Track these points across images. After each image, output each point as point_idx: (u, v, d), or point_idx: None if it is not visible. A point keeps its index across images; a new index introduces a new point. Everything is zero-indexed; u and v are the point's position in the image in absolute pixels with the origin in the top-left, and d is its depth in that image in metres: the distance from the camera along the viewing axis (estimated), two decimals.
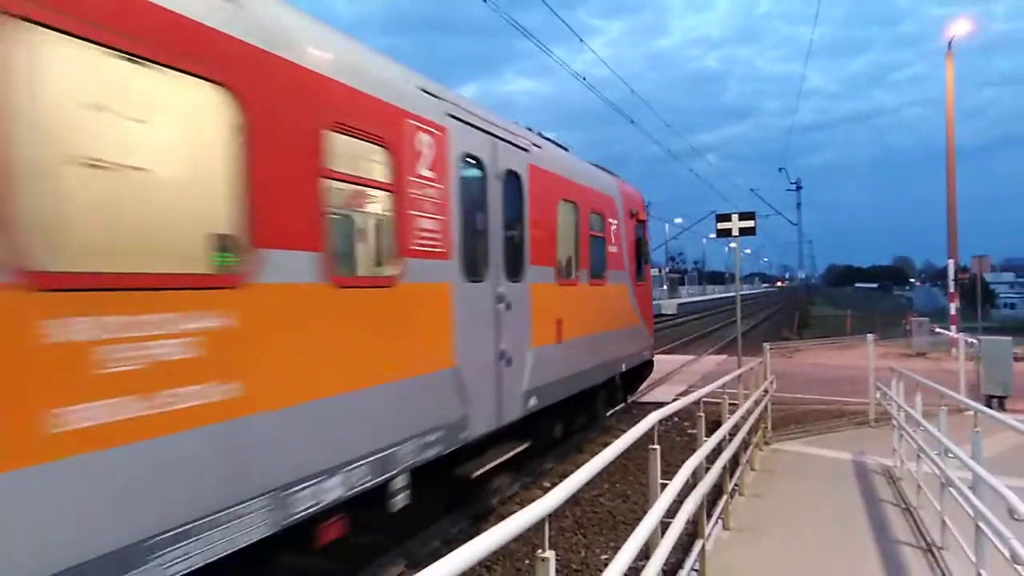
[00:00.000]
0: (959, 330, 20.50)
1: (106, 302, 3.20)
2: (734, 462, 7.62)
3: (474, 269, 6.77)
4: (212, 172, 3.92)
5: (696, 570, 5.66)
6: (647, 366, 13.59)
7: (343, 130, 4.88)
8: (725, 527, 6.90)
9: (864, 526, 7.00)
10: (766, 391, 11.25)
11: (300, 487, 4.33)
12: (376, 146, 5.32)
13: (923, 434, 7.30)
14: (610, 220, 11.21)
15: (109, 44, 3.27)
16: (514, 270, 7.67)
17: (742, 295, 18.84)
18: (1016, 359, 15.09)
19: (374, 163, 5.40)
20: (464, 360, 6.42)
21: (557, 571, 6.46)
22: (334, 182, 4.81)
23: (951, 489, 5.90)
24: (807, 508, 7.67)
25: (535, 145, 8.56)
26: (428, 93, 6.07)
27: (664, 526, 4.39)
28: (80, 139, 3.48)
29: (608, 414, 12.39)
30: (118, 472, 3.20)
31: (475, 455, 6.98)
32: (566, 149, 10.21)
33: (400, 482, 5.53)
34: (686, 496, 5.16)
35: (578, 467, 3.48)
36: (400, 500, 5.57)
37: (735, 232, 16.15)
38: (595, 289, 10.41)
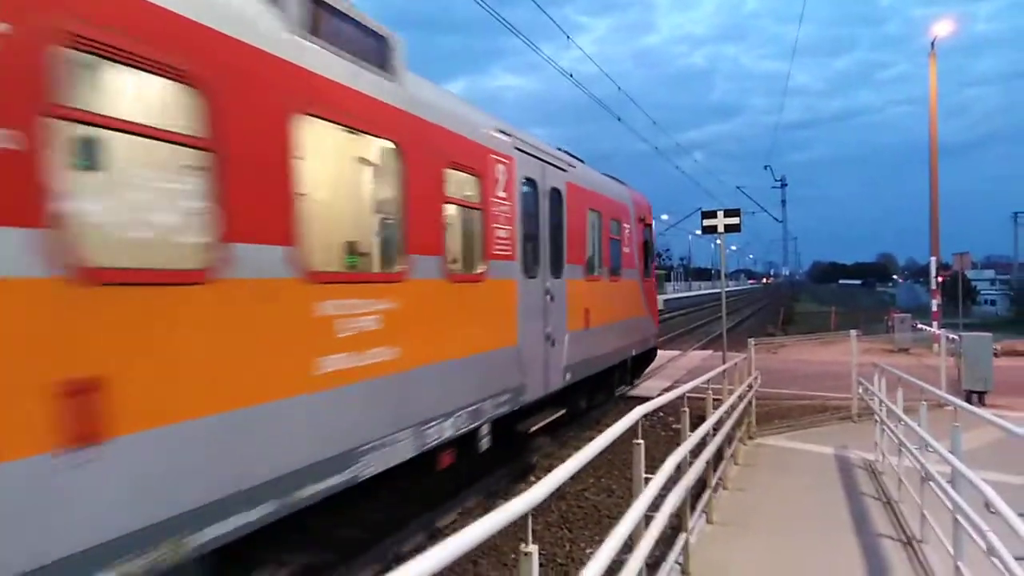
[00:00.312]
0: (940, 326, 20.73)
1: (340, 291, 4.95)
2: (718, 456, 7.67)
3: (530, 268, 8.55)
4: (392, 202, 5.87)
5: (679, 563, 5.70)
6: (652, 352, 15.46)
7: (455, 167, 6.70)
8: (709, 521, 6.96)
9: (846, 520, 7.08)
10: (750, 386, 11.34)
11: (430, 424, 6.09)
12: (472, 176, 7.14)
13: (904, 429, 7.38)
14: (624, 225, 12.96)
15: (346, 124, 5.18)
16: (556, 268, 9.41)
17: (728, 291, 18.96)
18: (996, 355, 15.31)
19: (471, 189, 7.19)
20: (523, 340, 8.20)
21: (542, 565, 6.54)
22: (448, 204, 6.57)
23: (931, 483, 5.98)
24: (790, 502, 7.75)
25: (571, 165, 10.29)
26: (503, 133, 7.95)
27: (648, 520, 4.42)
28: (340, 188, 6.00)
29: (618, 394, 13.87)
30: (345, 402, 4.91)
31: (529, 415, 8.72)
32: (582, 161, 11.47)
33: (484, 430, 7.33)
34: (670, 490, 5.20)
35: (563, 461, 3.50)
36: (484, 444, 7.38)
37: (720, 229, 16.23)
38: (613, 284, 12.25)
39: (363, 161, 6.14)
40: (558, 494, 8.12)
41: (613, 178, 13.33)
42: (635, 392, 14.86)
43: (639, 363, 14.67)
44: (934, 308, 23.35)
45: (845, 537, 6.57)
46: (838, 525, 6.92)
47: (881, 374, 9.86)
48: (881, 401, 9.08)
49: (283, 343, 4.37)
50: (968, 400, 13.08)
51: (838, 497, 7.86)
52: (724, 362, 12.66)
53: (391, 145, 5.73)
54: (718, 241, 17.80)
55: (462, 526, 2.36)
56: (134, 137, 3.61)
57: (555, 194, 9.43)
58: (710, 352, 22.57)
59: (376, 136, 5.58)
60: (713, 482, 7.24)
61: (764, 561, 6.11)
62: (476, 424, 7.02)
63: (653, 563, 5.88)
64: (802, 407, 13.26)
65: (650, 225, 15.12)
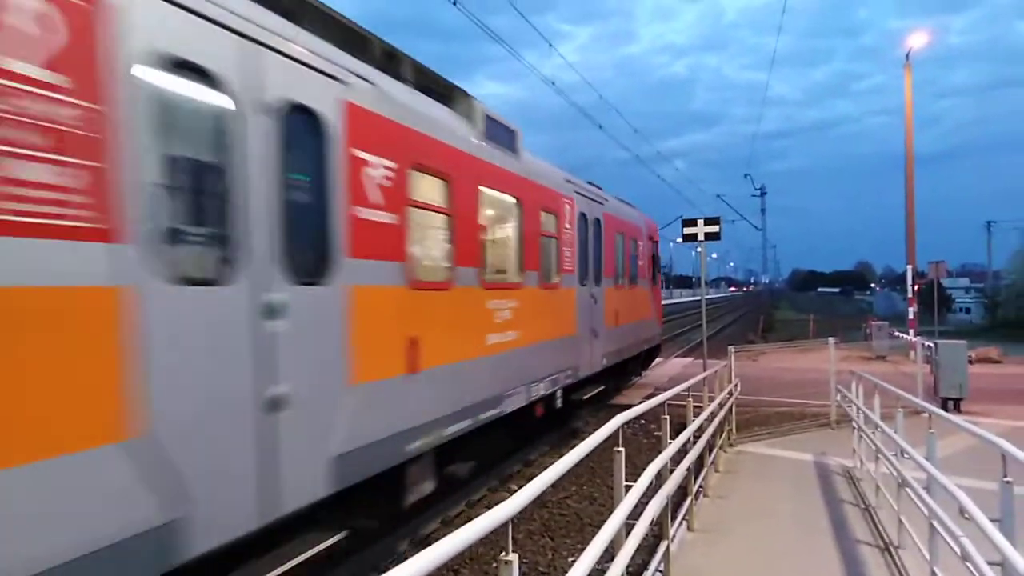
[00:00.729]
0: (917, 334, 21.01)
1: (496, 294, 7.92)
2: (699, 464, 7.72)
3: (583, 279, 11.49)
4: (514, 237, 8.88)
5: (660, 571, 5.72)
6: (657, 348, 18.62)
7: (545, 210, 9.72)
8: (689, 528, 6.99)
9: (825, 526, 7.14)
10: (730, 393, 11.41)
11: (533, 384, 9.08)
12: (552, 215, 10.06)
13: (881, 436, 7.47)
14: (639, 243, 15.93)
15: (498, 189, 8.21)
16: (597, 279, 12.39)
17: (708, 299, 19.09)
18: (971, 362, 15.54)
19: (551, 224, 10.06)
20: (579, 331, 11.19)
21: (524, 574, 6.52)
22: (542, 237, 9.57)
23: (907, 489, 6.05)
24: (770, 509, 7.80)
25: (605, 199, 13.42)
26: (568, 181, 11.04)
27: (629, 528, 4.43)
28: (490, 229, 8.47)
29: (631, 381, 17.02)
30: (497, 364, 7.87)
31: (580, 388, 11.50)
32: (598, 187, 13.89)
33: (559, 394, 10.35)
34: (652, 497, 5.21)
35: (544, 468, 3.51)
36: (559, 404, 10.45)
37: (701, 237, 16.33)
38: (633, 291, 15.23)
39: (502, 211, 8.89)
40: (540, 502, 8.13)
41: (628, 203, 16.15)
42: (616, 400, 14.91)
43: (647, 357, 17.69)
44: (910, 316, 23.67)
45: (824, 543, 6.62)
46: (817, 531, 6.97)
47: (859, 381, 9.97)
48: (859, 408, 9.18)
49: (477, 324, 7.49)
50: (944, 407, 13.25)
51: (817, 504, 7.93)
52: (705, 369, 12.74)
53: (514, 200, 8.81)
54: (698, 249, 17.91)
55: (444, 534, 2.36)
56: (430, 212, 6.62)
57: (596, 223, 12.46)
58: (691, 359, 22.70)
59: (508, 195, 8.60)
60: (694, 489, 7.27)
61: (744, 568, 6.14)
62: (555, 389, 10.08)
63: (635, 571, 5.90)
64: (781, 414, 13.36)
65: (657, 242, 18.14)
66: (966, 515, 3.81)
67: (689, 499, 7.10)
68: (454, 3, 12.86)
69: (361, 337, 5.30)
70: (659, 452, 5.90)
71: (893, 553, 6.29)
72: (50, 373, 3.08)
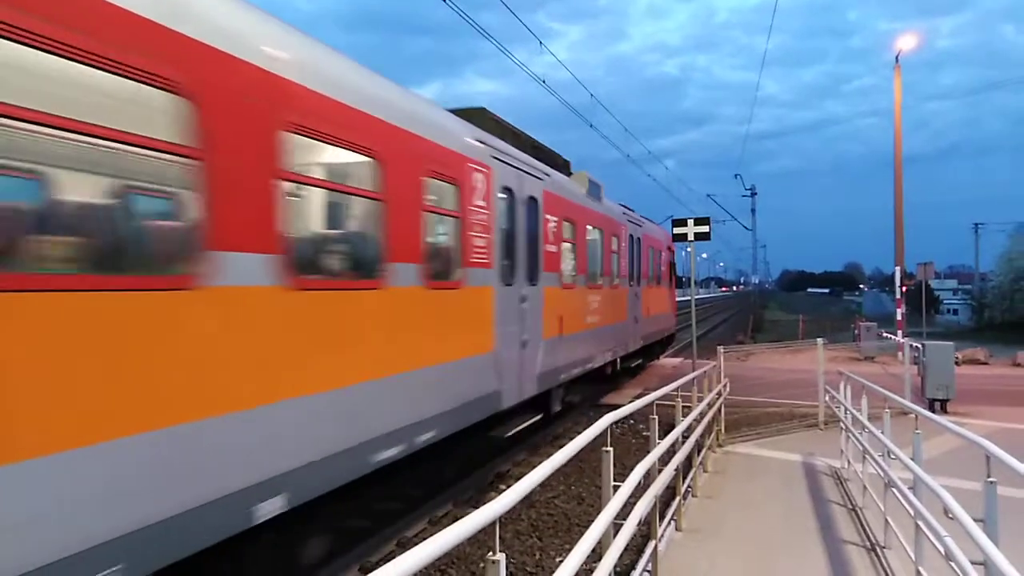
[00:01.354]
0: (905, 335, 21.15)
1: (587, 291, 12.45)
2: (687, 464, 7.74)
3: (632, 280, 16.24)
4: (599, 255, 13.87)
5: (648, 571, 5.72)
6: (673, 336, 23.60)
7: (614, 235, 14.60)
8: (678, 528, 7.00)
9: (812, 526, 7.17)
10: (719, 394, 11.45)
11: (606, 351, 13.55)
12: (617, 238, 14.84)
13: (868, 436, 7.51)
14: (663, 253, 20.59)
15: (593, 226, 13.09)
16: (639, 280, 17.00)
17: (698, 299, 19.19)
18: (957, 364, 15.65)
19: (615, 244, 14.58)
20: (629, 318, 15.78)
21: (512, 574, 6.52)
22: (612, 253, 14.33)
23: (893, 490, 6.09)
24: (758, 509, 7.83)
25: (643, 222, 17.94)
26: (624, 212, 15.52)
27: (617, 527, 4.44)
28: (589, 250, 13.06)
29: (656, 359, 21.57)
30: (593, 336, 12.63)
31: (625, 361, 15.76)
32: (633, 211, 17.75)
33: (617, 363, 14.87)
34: (640, 497, 5.22)
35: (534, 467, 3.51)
36: (618, 368, 15.16)
37: (691, 237, 16.36)
38: (659, 289, 19.94)
39: (596, 239, 13.21)
40: (528, 502, 8.13)
41: (652, 222, 20.47)
42: (605, 399, 14.95)
43: (668, 340, 22.90)
44: (899, 317, 23.83)
45: (811, 544, 6.65)
46: (805, 532, 7.00)
47: (847, 382, 10.02)
48: (846, 409, 9.22)
49: (586, 310, 12.20)
50: (931, 408, 13.34)
51: (805, 504, 7.97)
52: (694, 369, 12.78)
53: (599, 231, 13.40)
54: (688, 249, 17.98)
55: (431, 534, 2.35)
56: (569, 244, 11.51)
57: (639, 240, 17.07)
58: (681, 359, 22.76)
59: (598, 228, 13.26)
60: (682, 489, 7.29)
61: (732, 568, 6.16)
62: (615, 358, 14.51)
63: (623, 571, 5.91)
64: (770, 415, 13.42)
65: (673, 251, 22.47)
66: (950, 515, 3.84)
67: (677, 499, 7.11)
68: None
69: (546, 314, 10.11)
70: (648, 452, 5.91)
71: (879, 553, 6.32)
72: (474, 320, 7.75)
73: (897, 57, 24.29)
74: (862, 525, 7.15)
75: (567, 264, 11.74)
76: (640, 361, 17.63)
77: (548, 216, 10.30)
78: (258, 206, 4.38)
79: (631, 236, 16.07)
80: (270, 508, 4.35)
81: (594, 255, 13.21)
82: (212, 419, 3.95)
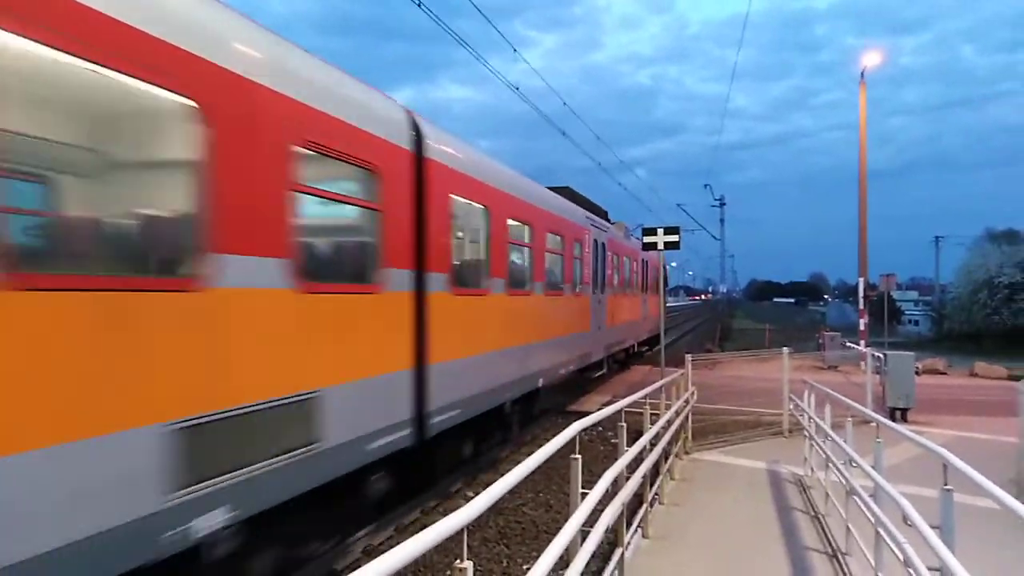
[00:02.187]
0: (867, 345, 21.57)
1: (623, 296, 19.76)
2: (654, 471, 7.79)
3: (645, 291, 23.50)
4: (627, 274, 21.04)
5: None
6: (659, 336, 24.39)
7: (631, 258, 21.50)
8: (644, 535, 7.05)
9: (776, 533, 7.27)
10: (687, 402, 11.56)
11: (615, 344, 18.52)
12: (637, 262, 22.43)
13: (831, 444, 7.64)
14: (656, 268, 25.23)
15: (626, 255, 20.34)
16: (646, 290, 23.61)
17: (667, 307, 19.42)
18: (918, 373, 15.99)
19: (638, 267, 22.76)
20: (640, 318, 22.91)
21: None
22: (633, 273, 21.95)
23: (855, 497, 6.20)
24: (723, 516, 7.92)
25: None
26: (645, 245, 17.70)
27: (584, 535, 4.46)
28: (625, 272, 20.86)
29: (647, 352, 25.55)
30: (622, 329, 19.50)
31: (631, 349, 21.81)
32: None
33: (633, 347, 22.12)
34: (607, 505, 5.25)
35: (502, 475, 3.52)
36: (635, 350, 22.95)
37: (660, 246, 16.50)
38: (653, 297, 25.03)
39: (627, 265, 20.00)
40: (496, 509, 8.11)
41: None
42: (574, 407, 15.00)
43: (655, 339, 25.44)
44: (861, 327, 24.29)
45: (775, 551, 6.75)
46: (769, 538, 7.10)
47: (810, 391, 10.19)
48: (810, 417, 9.37)
49: (617, 312, 18.52)
50: (892, 417, 13.62)
51: (769, 511, 8.07)
52: (662, 377, 12.89)
53: (630, 258, 20.53)
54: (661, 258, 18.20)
55: (398, 542, 2.34)
56: (619, 271, 19.52)
57: (645, 262, 22.63)
58: (650, 367, 22.94)
59: (629, 257, 20.55)
60: (649, 497, 7.34)
61: (697, 574, 6.23)
62: (633, 343, 21.57)
63: None
64: (736, 422, 13.59)
65: (666, 267, 29.27)
66: (909, 522, 3.93)
67: (645, 506, 7.16)
68: (418, 4, 12.80)
69: (608, 313, 16.67)
70: (616, 459, 5.94)
71: (841, 560, 6.43)
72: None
73: (863, 73, 24.84)
74: (824, 532, 7.27)
75: (615, 282, 16.68)
76: (646, 348, 22.45)
77: (609, 252, 16.21)
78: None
79: (642, 260, 20.62)
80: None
81: (626, 274, 18.00)
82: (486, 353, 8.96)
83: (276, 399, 4.81)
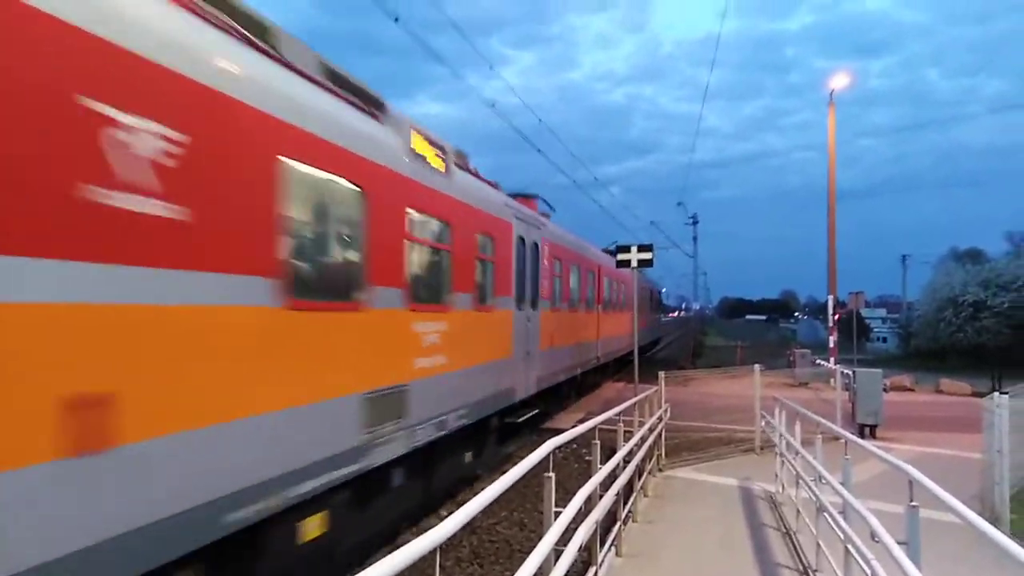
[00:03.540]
0: (837, 362, 21.88)
1: (609, 315, 21.86)
2: (628, 489, 7.81)
3: (642, 314, 25.59)
4: (606, 289, 22.08)
5: None
6: (658, 340, 36.89)
7: (617, 280, 23.51)
8: (618, 554, 7.05)
9: (748, 550, 7.31)
10: (660, 418, 11.62)
11: (603, 352, 20.65)
12: (618, 281, 23.68)
13: (801, 461, 7.73)
14: (656, 291, 37.74)
15: (616, 280, 23.11)
16: (646, 314, 30.70)
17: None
18: (885, 390, 16.25)
19: (613, 287, 23.00)
20: (640, 331, 19.98)
21: None
22: (613, 290, 23.24)
23: (825, 514, 6.27)
24: (696, 533, 7.95)
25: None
26: (651, 282, 35.49)
27: (558, 554, 4.45)
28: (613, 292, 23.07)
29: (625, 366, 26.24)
30: (606, 342, 21.50)
31: (620, 361, 24.58)
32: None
33: (605, 360, 21.64)
34: (581, 523, 5.25)
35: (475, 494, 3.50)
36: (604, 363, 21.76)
37: (634, 263, 16.60)
38: (653, 315, 36.57)
39: (611, 283, 21.90)
40: (469, 528, 8.07)
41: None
42: (549, 424, 14.99)
43: (651, 346, 32.04)
44: (831, 344, 24.65)
45: (747, 568, 6.78)
46: (741, 556, 7.14)
47: (781, 408, 10.31)
48: (781, 434, 9.47)
49: (597, 328, 19.68)
50: (860, 433, 13.81)
51: (741, 528, 8.12)
52: (636, 394, 12.95)
53: (586, 266, 18.33)
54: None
55: (371, 563, 2.33)
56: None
57: (651, 291, 32.05)
58: (623, 384, 23.03)
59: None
60: (623, 514, 7.35)
61: None
62: (623, 353, 24.21)
63: None
64: (709, 439, 13.67)
65: (659, 291, 37.75)
66: (877, 539, 3.98)
67: (618, 524, 7.17)
68: (395, 20, 12.84)
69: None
70: (590, 477, 5.95)
71: None
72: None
73: (831, 94, 25.39)
74: (796, 549, 7.33)
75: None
76: (630, 360, 18.83)
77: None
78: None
79: (647, 288, 26.90)
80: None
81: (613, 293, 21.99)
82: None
83: (391, 386, 6.75)
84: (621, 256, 16.81)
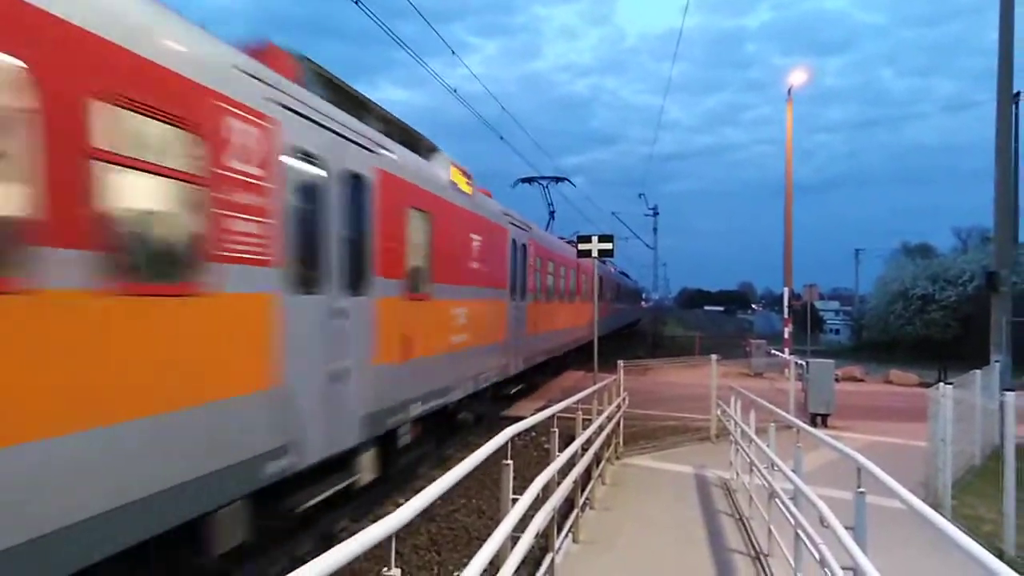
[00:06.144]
0: (791, 353, 22.35)
1: (568, 305, 22.73)
2: (586, 476, 7.88)
3: (619, 301, 37.71)
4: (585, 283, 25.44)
5: None
6: (638, 321, 45.97)
7: (584, 271, 25.10)
8: (575, 540, 7.11)
9: (702, 536, 7.45)
10: (619, 407, 11.74)
11: (575, 338, 22.63)
12: (586, 274, 24.71)
13: (755, 449, 7.89)
14: (636, 283, 52.59)
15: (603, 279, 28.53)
16: (632, 300, 47.68)
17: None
18: (837, 380, 16.67)
19: (586, 280, 25.15)
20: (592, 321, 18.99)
21: None
22: (585, 284, 25.04)
23: (776, 500, 6.42)
24: (652, 520, 8.07)
25: (636, 285, 44.43)
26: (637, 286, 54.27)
27: (515, 540, 4.47)
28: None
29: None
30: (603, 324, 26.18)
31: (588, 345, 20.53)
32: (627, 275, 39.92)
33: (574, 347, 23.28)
34: (538, 510, 5.28)
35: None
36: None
37: (594, 253, 16.61)
38: (637, 306, 54.84)
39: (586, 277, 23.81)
40: (427, 516, 8.06)
41: (624, 273, 38.84)
42: (508, 411, 15.04)
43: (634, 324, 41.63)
44: (786, 335, 25.17)
45: (701, 553, 6.91)
46: (695, 541, 7.27)
47: (737, 397, 10.50)
48: (736, 423, 9.65)
49: (563, 317, 20.95)
50: (813, 422, 14.16)
51: (696, 514, 8.27)
52: (595, 383, 13.05)
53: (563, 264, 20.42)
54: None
55: (325, 550, 2.30)
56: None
57: (627, 281, 42.52)
58: (583, 373, 23.19)
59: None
60: (580, 502, 7.42)
61: None
62: (576, 344, 22.98)
63: None
64: (666, 428, 13.87)
65: (642, 290, 55.38)
66: (826, 524, 4.09)
67: (576, 511, 7.23)
68: (356, 2, 12.60)
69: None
70: (548, 465, 5.98)
71: (763, 561, 6.64)
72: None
73: (789, 91, 25.79)
74: (748, 534, 7.49)
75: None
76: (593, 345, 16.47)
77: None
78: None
79: (627, 285, 33.06)
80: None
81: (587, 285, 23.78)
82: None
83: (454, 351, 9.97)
84: (582, 246, 16.83)
